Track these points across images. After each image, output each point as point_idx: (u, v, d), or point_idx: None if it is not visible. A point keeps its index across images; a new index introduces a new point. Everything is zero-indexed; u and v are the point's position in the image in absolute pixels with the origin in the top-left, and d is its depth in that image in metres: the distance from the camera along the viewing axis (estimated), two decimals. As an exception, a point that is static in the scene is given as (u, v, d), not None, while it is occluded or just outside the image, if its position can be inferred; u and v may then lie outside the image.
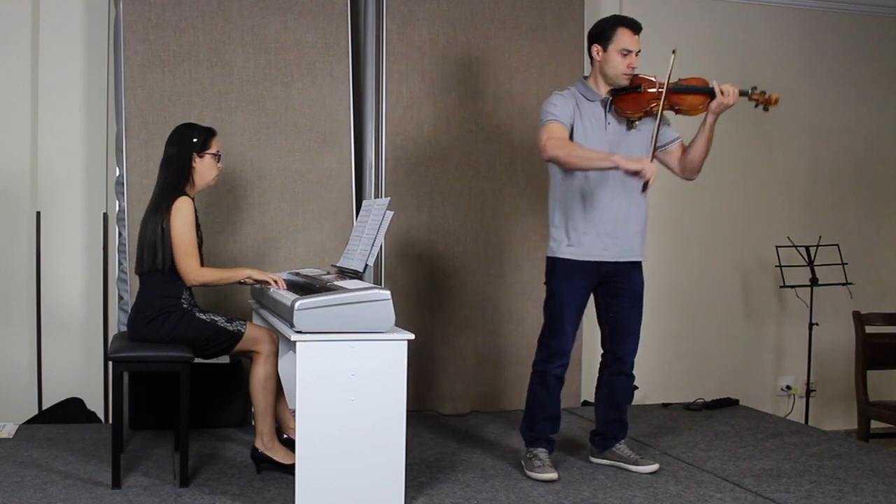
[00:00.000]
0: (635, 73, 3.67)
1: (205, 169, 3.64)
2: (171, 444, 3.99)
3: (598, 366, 3.95)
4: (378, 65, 4.79)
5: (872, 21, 5.83)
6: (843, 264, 5.31)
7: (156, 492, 3.36)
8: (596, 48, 3.69)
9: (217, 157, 3.67)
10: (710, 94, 3.63)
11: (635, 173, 3.43)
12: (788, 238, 5.37)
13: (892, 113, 5.91)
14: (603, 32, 3.67)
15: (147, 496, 3.31)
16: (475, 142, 4.89)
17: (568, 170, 3.61)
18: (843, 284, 5.32)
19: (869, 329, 4.83)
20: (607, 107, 3.70)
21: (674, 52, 3.57)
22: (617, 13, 5.21)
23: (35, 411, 4.50)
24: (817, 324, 5.33)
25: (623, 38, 3.64)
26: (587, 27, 5.07)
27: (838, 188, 5.80)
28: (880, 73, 5.86)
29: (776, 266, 5.35)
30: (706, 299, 5.55)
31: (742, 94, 3.64)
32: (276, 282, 3.63)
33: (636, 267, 3.82)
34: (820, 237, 5.37)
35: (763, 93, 3.66)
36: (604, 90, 3.71)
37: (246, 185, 4.57)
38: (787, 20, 5.66)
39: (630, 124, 3.72)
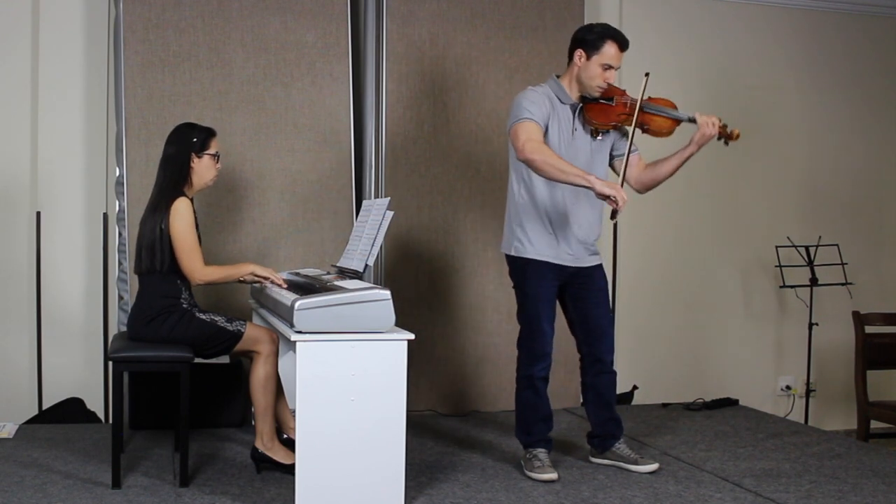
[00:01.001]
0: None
1: (203, 169, 3.64)
2: (171, 444, 3.99)
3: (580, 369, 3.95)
4: (378, 65, 4.79)
5: (872, 21, 5.83)
6: (843, 264, 5.32)
7: (156, 492, 3.36)
8: (579, 53, 3.67)
9: (216, 157, 3.67)
10: (680, 121, 3.65)
11: (606, 198, 3.42)
12: (788, 238, 5.37)
13: (893, 113, 5.90)
14: (591, 41, 3.65)
15: (147, 496, 3.31)
16: (475, 142, 4.89)
17: (538, 174, 3.58)
18: (843, 284, 5.32)
19: (869, 329, 4.84)
20: (576, 112, 3.71)
21: (647, 75, 3.60)
22: (618, 13, 5.28)
23: (35, 411, 4.50)
24: (817, 324, 5.33)
25: (609, 51, 3.62)
26: (587, 27, 5.09)
27: (838, 188, 5.80)
28: (880, 73, 5.86)
29: (776, 266, 5.35)
30: (706, 299, 5.55)
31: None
32: (277, 281, 3.63)
33: (597, 268, 3.84)
34: (820, 237, 5.37)
35: (725, 126, 3.66)
36: (575, 95, 3.71)
37: (246, 185, 4.57)
38: (787, 20, 5.65)
39: (595, 133, 3.73)
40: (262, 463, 3.60)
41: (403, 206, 4.71)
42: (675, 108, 3.69)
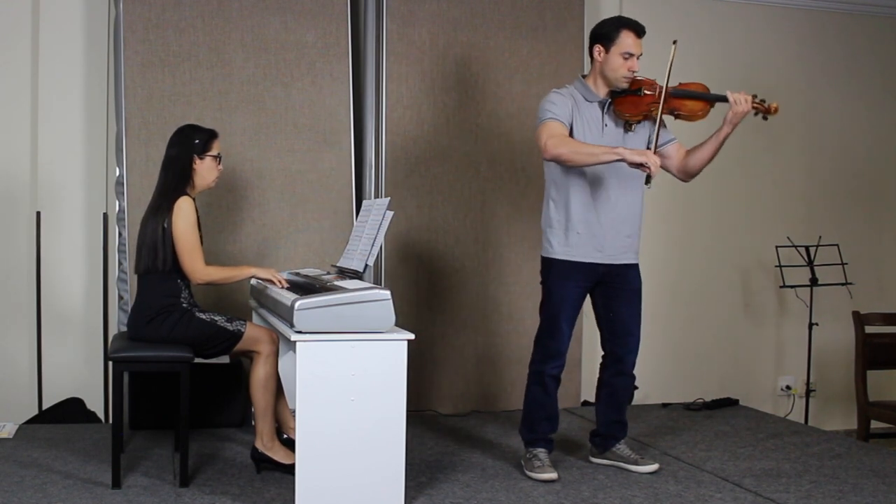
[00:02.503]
0: (635, 76, 3.66)
1: (205, 171, 3.65)
2: (171, 444, 3.99)
3: (598, 366, 3.96)
4: (378, 65, 4.79)
5: (872, 21, 5.83)
6: (843, 264, 5.32)
7: (156, 492, 3.36)
8: (598, 48, 3.68)
9: (218, 159, 3.68)
10: (713, 101, 3.63)
11: (639, 165, 3.44)
12: (788, 238, 5.37)
13: (893, 113, 5.90)
14: (606, 33, 3.66)
15: (147, 496, 3.31)
16: (475, 142, 4.89)
17: (572, 167, 3.59)
18: (843, 284, 5.32)
19: (869, 329, 4.84)
20: (605, 108, 3.70)
21: (674, 42, 3.57)
22: (618, 13, 5.27)
23: (35, 411, 4.49)
24: (817, 324, 5.33)
25: (626, 40, 3.62)
26: (587, 27, 5.08)
27: (838, 188, 5.80)
28: (880, 73, 5.86)
29: (776, 266, 5.35)
30: (706, 299, 5.55)
31: None
32: (279, 281, 3.64)
33: (632, 268, 3.82)
34: (820, 237, 5.37)
35: (763, 101, 3.62)
36: (602, 91, 3.70)
37: (246, 185, 4.57)
38: (787, 20, 5.65)
39: (627, 127, 3.71)
40: (262, 463, 3.60)
41: (403, 206, 4.71)
42: (706, 89, 3.66)
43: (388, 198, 3.80)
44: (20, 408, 4.47)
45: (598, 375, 3.93)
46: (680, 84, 3.67)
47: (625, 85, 3.65)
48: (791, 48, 5.67)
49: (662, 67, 3.61)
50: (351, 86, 4.72)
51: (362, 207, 3.98)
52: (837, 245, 5.35)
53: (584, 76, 3.78)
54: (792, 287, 5.31)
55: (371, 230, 3.65)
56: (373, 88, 4.81)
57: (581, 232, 3.66)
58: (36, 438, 4.09)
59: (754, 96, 3.60)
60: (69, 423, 4.43)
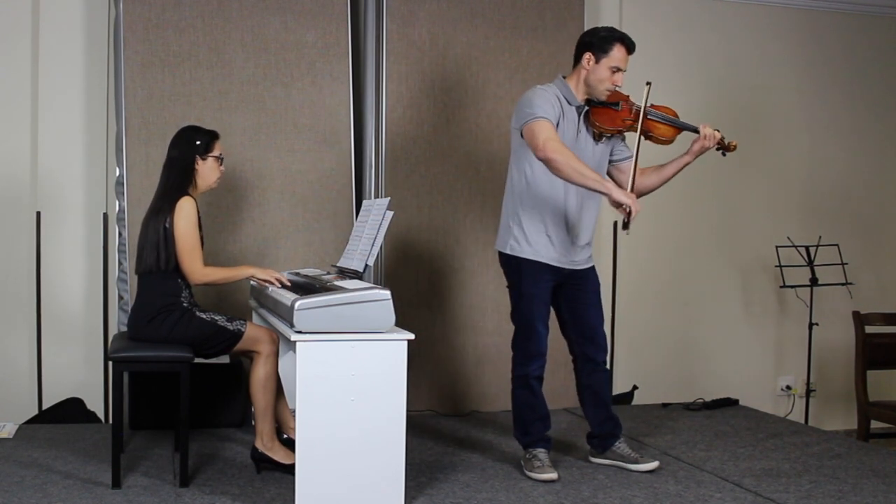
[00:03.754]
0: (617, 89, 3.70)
1: (207, 171, 3.65)
2: (171, 444, 3.99)
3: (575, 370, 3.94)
4: (378, 65, 4.79)
5: (872, 21, 5.83)
6: (843, 264, 5.32)
7: (156, 492, 3.36)
8: (588, 56, 3.68)
9: (219, 160, 3.69)
10: (683, 129, 3.70)
11: (619, 206, 3.45)
12: (788, 238, 5.37)
13: (893, 113, 5.90)
14: (600, 44, 3.65)
15: (147, 496, 3.31)
16: (475, 142, 4.89)
17: (556, 175, 3.57)
18: (843, 284, 5.32)
19: (869, 329, 4.84)
20: (581, 115, 3.72)
21: (648, 83, 3.62)
22: (618, 13, 5.28)
23: (35, 411, 4.50)
24: (817, 324, 5.33)
25: (618, 55, 3.64)
26: (587, 27, 5.08)
27: (838, 188, 5.80)
28: (880, 73, 5.86)
29: (776, 266, 5.35)
30: (706, 299, 5.55)
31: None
32: (278, 280, 3.64)
33: (592, 269, 3.86)
34: (820, 237, 5.37)
35: (723, 138, 3.72)
36: (581, 97, 3.72)
37: (246, 185, 4.57)
38: (787, 20, 5.65)
39: (599, 137, 3.74)
40: (262, 463, 3.60)
41: (403, 206, 4.71)
42: (677, 116, 3.74)
43: (388, 198, 3.80)
44: (20, 408, 4.47)
45: (574, 380, 3.92)
46: (653, 105, 3.70)
47: (604, 98, 3.69)
48: (791, 48, 5.67)
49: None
50: (351, 86, 4.72)
51: (362, 207, 3.98)
52: (837, 245, 5.35)
53: (564, 77, 3.77)
54: (792, 287, 5.31)
55: (371, 230, 3.65)
56: (373, 88, 4.81)
57: (551, 235, 3.69)
58: (36, 438, 4.09)
59: (718, 131, 3.70)
60: (69, 423, 4.43)
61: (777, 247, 5.34)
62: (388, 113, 4.76)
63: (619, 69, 3.64)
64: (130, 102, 4.41)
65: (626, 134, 3.78)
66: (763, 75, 5.58)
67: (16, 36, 4.49)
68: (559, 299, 3.83)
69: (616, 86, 3.66)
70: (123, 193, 4.41)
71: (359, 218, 3.96)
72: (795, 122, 5.69)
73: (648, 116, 3.66)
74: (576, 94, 3.71)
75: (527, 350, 3.73)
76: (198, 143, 3.63)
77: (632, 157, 3.74)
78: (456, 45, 4.86)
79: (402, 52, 4.78)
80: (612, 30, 3.71)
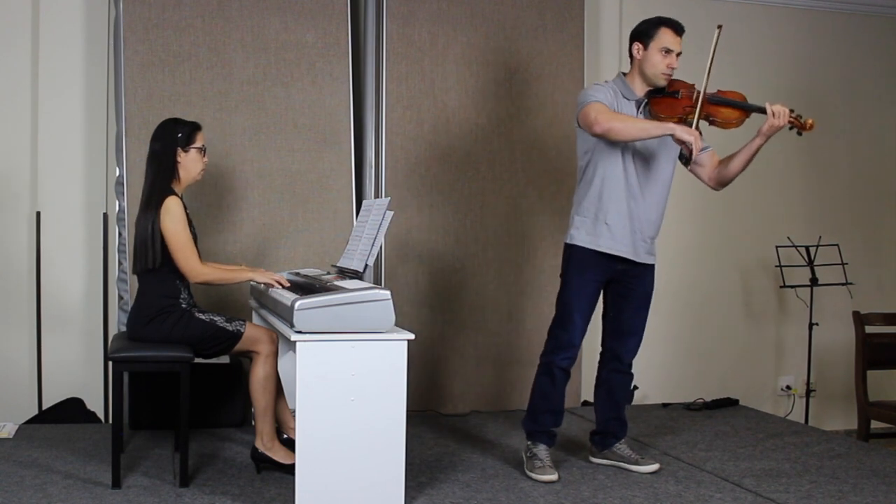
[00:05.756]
0: (674, 77, 3.67)
1: (190, 163, 3.63)
2: (171, 444, 3.99)
3: (597, 364, 3.95)
4: (378, 65, 4.79)
5: (872, 21, 5.83)
6: (843, 264, 5.32)
7: (156, 492, 3.36)
8: (637, 46, 3.69)
9: (202, 151, 3.66)
10: (750, 111, 3.63)
11: (683, 143, 3.47)
12: (788, 238, 5.37)
13: (892, 113, 5.91)
14: (645, 30, 3.67)
15: (147, 496, 3.31)
16: (475, 142, 4.89)
17: (622, 140, 3.56)
18: (843, 284, 5.32)
19: (869, 329, 4.84)
20: (641, 108, 3.71)
21: (719, 27, 3.58)
22: (618, 14, 5.28)
23: (35, 411, 4.49)
24: (817, 324, 5.33)
25: (665, 37, 3.64)
26: (587, 27, 5.11)
27: (838, 188, 5.80)
28: (880, 73, 5.86)
29: (776, 266, 5.35)
30: (706, 299, 5.55)
31: None
32: (279, 282, 3.63)
33: (649, 270, 3.82)
34: (820, 237, 5.37)
35: (799, 116, 3.60)
36: (640, 90, 3.71)
37: (246, 185, 4.57)
38: (787, 20, 5.65)
39: None
40: (262, 463, 3.59)
41: (403, 206, 4.71)
42: (744, 99, 3.67)
43: (388, 198, 3.80)
44: (20, 408, 4.47)
45: (595, 373, 3.93)
46: (718, 91, 3.67)
47: (663, 82, 3.66)
48: (791, 48, 5.67)
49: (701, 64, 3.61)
50: (351, 86, 4.72)
51: (362, 207, 3.98)
52: (837, 245, 5.35)
53: (623, 74, 3.78)
54: (792, 287, 5.31)
55: (371, 230, 3.65)
56: (373, 88, 4.81)
57: (610, 223, 3.66)
58: (36, 438, 4.09)
59: (791, 110, 3.59)
60: (69, 423, 4.43)
61: (777, 247, 5.34)
62: (388, 113, 4.76)
63: (669, 50, 3.63)
64: (130, 102, 4.41)
65: (701, 122, 3.67)
66: (763, 75, 5.58)
67: (16, 36, 4.49)
68: (609, 292, 3.81)
69: (672, 68, 3.64)
70: (123, 193, 4.41)
71: (359, 218, 3.95)
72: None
73: (710, 100, 3.62)
74: (633, 89, 3.70)
75: (559, 338, 3.72)
76: (179, 135, 3.61)
77: (710, 147, 3.76)
78: (456, 45, 4.86)
79: (402, 52, 4.78)
80: (657, 17, 3.73)
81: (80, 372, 4.56)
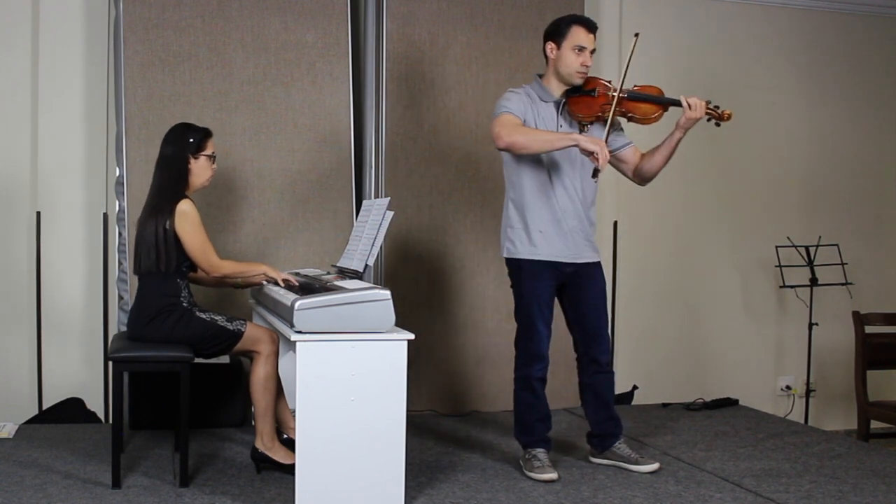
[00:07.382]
0: (590, 75, 3.67)
1: (200, 170, 3.64)
2: (171, 444, 3.99)
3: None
4: (378, 65, 4.79)
5: (872, 21, 5.83)
6: (843, 264, 5.31)
7: (156, 492, 3.36)
8: (550, 45, 3.68)
9: (212, 158, 3.67)
10: (666, 104, 3.64)
11: (590, 154, 3.44)
12: (788, 238, 5.37)
13: (892, 113, 5.90)
14: (557, 29, 3.67)
15: (147, 496, 3.31)
16: (475, 142, 4.89)
17: (527, 154, 3.57)
18: (843, 284, 5.32)
19: (869, 329, 4.84)
20: (559, 109, 3.71)
21: (636, 35, 3.58)
22: (618, 13, 5.28)
23: (35, 411, 4.49)
24: (817, 324, 5.32)
25: (577, 35, 3.63)
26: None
27: (838, 188, 5.80)
28: (880, 73, 5.86)
29: (776, 266, 5.35)
30: (706, 299, 5.55)
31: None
32: (285, 281, 3.63)
33: (597, 267, 3.83)
34: (820, 237, 5.37)
35: (716, 107, 3.62)
36: (557, 91, 3.71)
37: (246, 185, 4.57)
38: (787, 20, 5.65)
39: (581, 128, 3.72)
40: (262, 463, 3.60)
41: (403, 206, 4.71)
42: (661, 93, 3.67)
43: (388, 198, 3.80)
44: (20, 408, 4.47)
45: (577, 379, 3.92)
46: (635, 86, 3.67)
47: (579, 81, 3.66)
48: (791, 48, 5.67)
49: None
50: (351, 86, 4.72)
51: (362, 207, 3.98)
52: (837, 245, 5.35)
53: (539, 76, 3.78)
54: (792, 287, 5.31)
55: (371, 230, 3.65)
56: (373, 88, 4.81)
57: (543, 231, 3.67)
58: (36, 438, 4.09)
59: (708, 102, 3.61)
60: (69, 423, 4.43)
61: (777, 247, 5.34)
62: (388, 113, 4.76)
63: (583, 48, 3.62)
64: (130, 102, 4.41)
65: (618, 121, 3.72)
66: (763, 75, 5.58)
67: (16, 36, 4.49)
68: (564, 298, 3.82)
69: (586, 66, 3.64)
70: (123, 193, 4.41)
71: (359, 218, 3.96)
72: (795, 122, 5.69)
73: (627, 97, 3.62)
74: (550, 90, 3.71)
75: (528, 350, 3.73)
76: (190, 140, 3.62)
77: (630, 143, 3.75)
78: (456, 45, 4.86)
79: (402, 52, 4.78)
80: (568, 14, 3.72)
81: (80, 372, 4.56)
